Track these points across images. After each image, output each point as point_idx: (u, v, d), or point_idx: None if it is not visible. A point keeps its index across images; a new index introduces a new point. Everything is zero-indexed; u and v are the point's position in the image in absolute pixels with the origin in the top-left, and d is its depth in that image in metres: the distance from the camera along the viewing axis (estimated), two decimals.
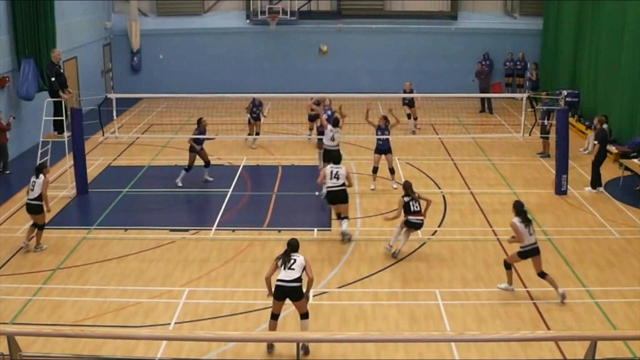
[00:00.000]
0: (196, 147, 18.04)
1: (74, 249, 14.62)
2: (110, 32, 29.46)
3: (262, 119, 21.92)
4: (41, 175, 14.40)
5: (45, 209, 14.41)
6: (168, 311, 12.18)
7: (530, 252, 12.33)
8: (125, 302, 12.54)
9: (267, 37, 29.84)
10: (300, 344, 10.76)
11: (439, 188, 18.20)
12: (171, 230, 15.54)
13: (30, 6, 20.78)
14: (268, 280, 10.90)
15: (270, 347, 10.93)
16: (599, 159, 17.74)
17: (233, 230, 15.39)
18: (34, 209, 14.35)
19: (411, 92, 23.16)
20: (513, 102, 27.27)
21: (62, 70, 19.24)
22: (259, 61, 29.98)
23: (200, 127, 18.23)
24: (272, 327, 10.92)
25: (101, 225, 15.90)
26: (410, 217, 13.90)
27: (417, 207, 13.90)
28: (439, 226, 15.82)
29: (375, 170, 18.10)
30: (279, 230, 15.46)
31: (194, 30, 29.83)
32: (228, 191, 17.90)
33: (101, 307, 12.31)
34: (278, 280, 10.71)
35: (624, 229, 15.58)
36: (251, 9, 29.60)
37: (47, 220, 14.87)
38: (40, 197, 14.24)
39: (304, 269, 10.73)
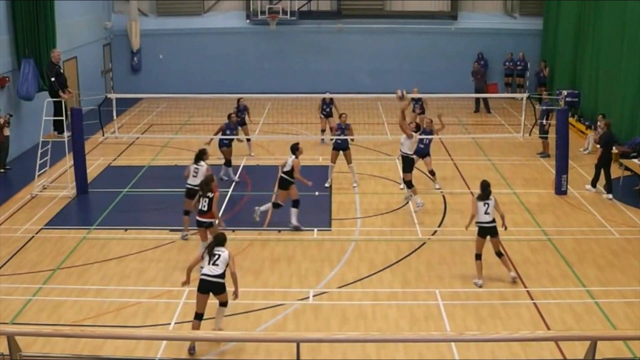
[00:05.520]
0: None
1: (74, 249, 14.62)
2: (110, 32, 29.45)
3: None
4: (202, 163, 14.54)
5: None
6: (168, 311, 12.19)
7: (486, 230, 12.91)
8: (125, 302, 12.55)
9: (267, 37, 29.83)
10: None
11: (439, 188, 18.19)
12: (171, 230, 15.54)
13: (30, 6, 20.77)
14: (189, 270, 11.14)
15: (192, 349, 10.87)
16: (605, 161, 17.40)
17: (233, 230, 15.38)
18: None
19: (331, 101, 21.65)
20: (513, 102, 27.25)
21: (62, 70, 19.24)
22: (259, 61, 29.96)
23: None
24: (196, 327, 10.87)
25: (101, 225, 15.90)
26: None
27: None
28: (439, 226, 15.82)
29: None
30: (279, 230, 15.46)
31: (194, 30, 29.82)
32: (228, 191, 17.89)
33: (101, 307, 12.31)
34: (202, 274, 10.89)
35: (624, 229, 15.58)
36: (251, 9, 29.59)
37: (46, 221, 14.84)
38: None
39: (228, 264, 10.89)
